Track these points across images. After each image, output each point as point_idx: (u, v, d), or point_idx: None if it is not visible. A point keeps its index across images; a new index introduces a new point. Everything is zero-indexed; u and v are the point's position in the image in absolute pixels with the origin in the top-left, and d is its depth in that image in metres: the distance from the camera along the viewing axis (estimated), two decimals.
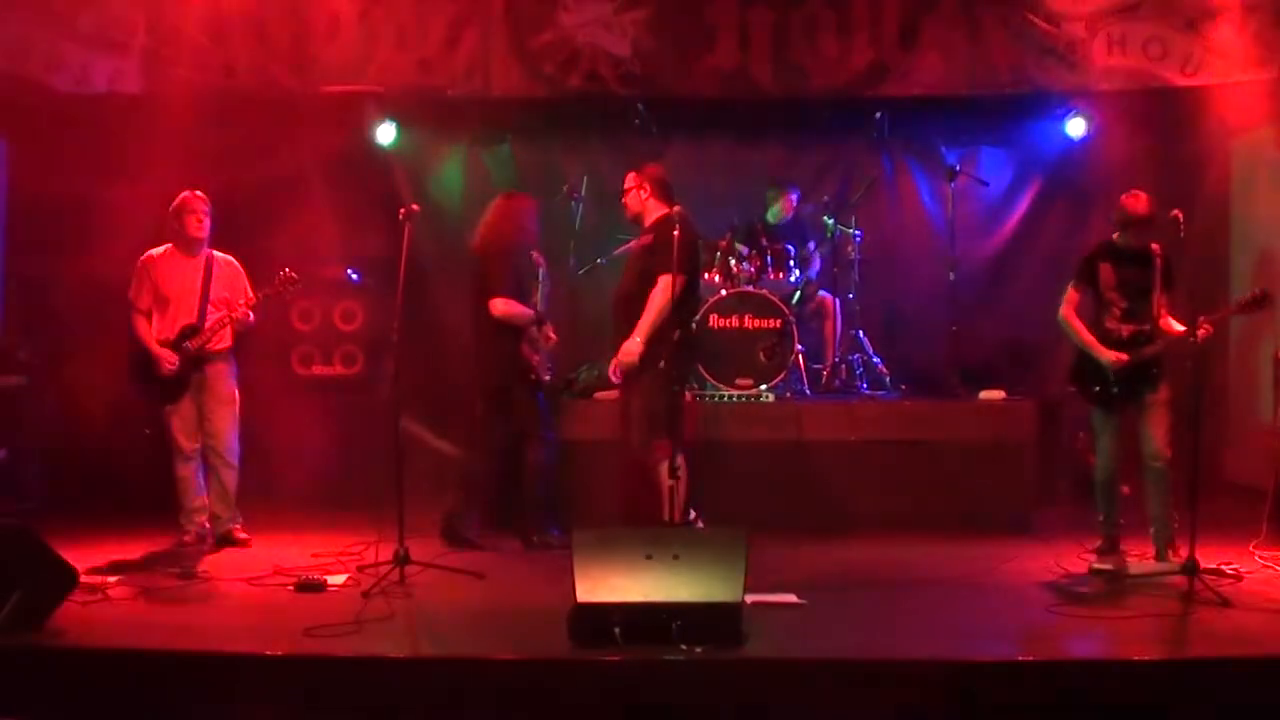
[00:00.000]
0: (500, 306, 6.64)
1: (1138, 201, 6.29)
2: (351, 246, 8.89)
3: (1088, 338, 6.39)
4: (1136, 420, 6.33)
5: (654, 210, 6.46)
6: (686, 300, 6.33)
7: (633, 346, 6.24)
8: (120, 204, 8.27)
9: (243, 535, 6.84)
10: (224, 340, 6.82)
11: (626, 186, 6.57)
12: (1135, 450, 6.41)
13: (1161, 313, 6.28)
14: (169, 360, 6.67)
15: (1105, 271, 6.37)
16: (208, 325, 6.72)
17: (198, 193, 6.80)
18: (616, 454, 6.75)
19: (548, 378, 6.77)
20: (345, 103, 8.00)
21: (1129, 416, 6.38)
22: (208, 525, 6.87)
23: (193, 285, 6.77)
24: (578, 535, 4.91)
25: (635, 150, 8.62)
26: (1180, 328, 6.15)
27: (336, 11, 7.73)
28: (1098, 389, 6.38)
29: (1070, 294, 6.50)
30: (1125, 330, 6.33)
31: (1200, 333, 5.96)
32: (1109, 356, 6.27)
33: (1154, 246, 6.33)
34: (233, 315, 6.76)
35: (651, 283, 6.23)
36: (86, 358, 7.96)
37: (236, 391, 6.89)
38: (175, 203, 6.79)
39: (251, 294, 6.87)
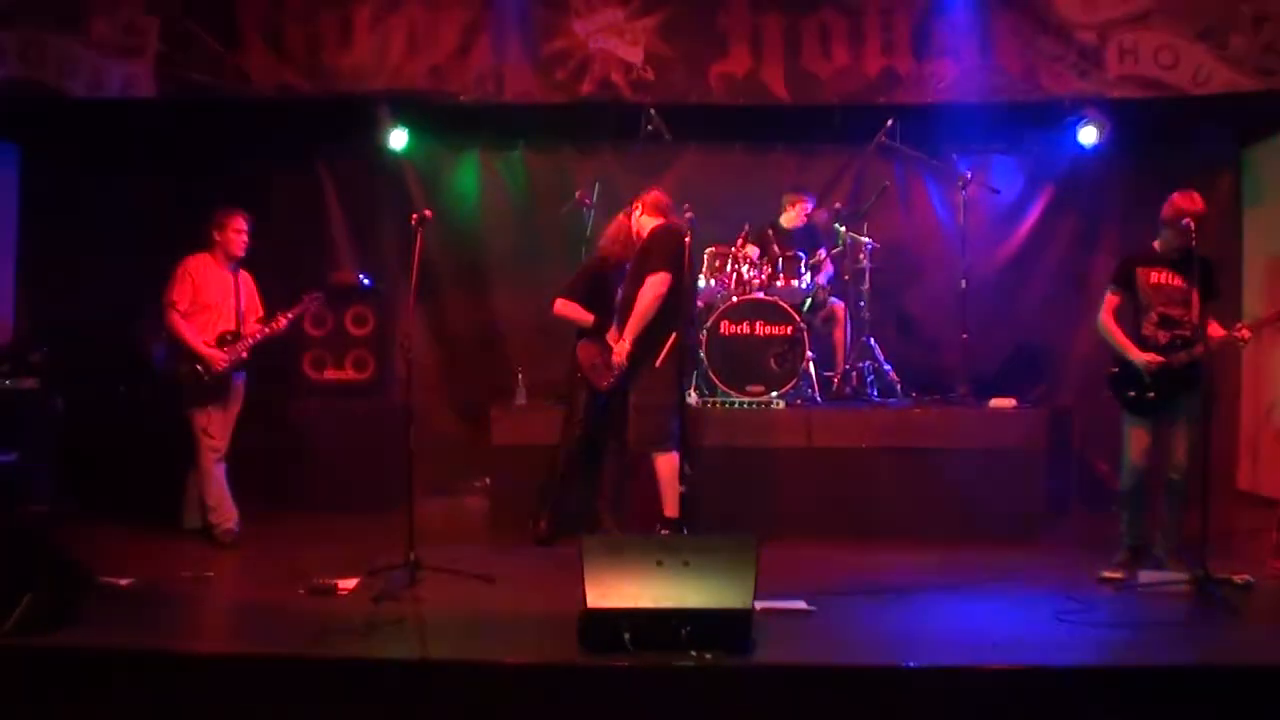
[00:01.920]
0: (557, 306, 7.02)
1: (1191, 201, 6.12)
2: (364, 251, 8.95)
3: (1122, 340, 6.29)
4: (1165, 430, 6.27)
5: (647, 225, 6.76)
6: (676, 301, 6.41)
7: (621, 349, 6.49)
8: (133, 210, 8.36)
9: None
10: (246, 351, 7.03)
11: (629, 210, 6.93)
12: (1155, 459, 6.36)
13: (1205, 320, 6.14)
14: (222, 359, 6.85)
15: (1143, 276, 6.30)
16: (254, 335, 6.95)
17: (245, 213, 7.02)
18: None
19: (604, 385, 6.77)
20: (358, 109, 8.03)
21: (1160, 425, 6.31)
22: (239, 524, 6.96)
23: (228, 296, 7.02)
24: (587, 541, 4.92)
25: (647, 157, 8.66)
26: (1220, 332, 6.11)
27: (350, 18, 7.76)
28: (1132, 394, 6.29)
29: (1109, 298, 6.41)
30: (1162, 336, 6.21)
31: (1240, 335, 5.92)
32: (1142, 359, 6.18)
33: (1196, 252, 6.26)
34: (274, 328, 6.99)
35: (643, 284, 6.47)
36: (98, 361, 8.00)
37: None
38: (223, 218, 6.98)
39: (262, 309, 7.14)
